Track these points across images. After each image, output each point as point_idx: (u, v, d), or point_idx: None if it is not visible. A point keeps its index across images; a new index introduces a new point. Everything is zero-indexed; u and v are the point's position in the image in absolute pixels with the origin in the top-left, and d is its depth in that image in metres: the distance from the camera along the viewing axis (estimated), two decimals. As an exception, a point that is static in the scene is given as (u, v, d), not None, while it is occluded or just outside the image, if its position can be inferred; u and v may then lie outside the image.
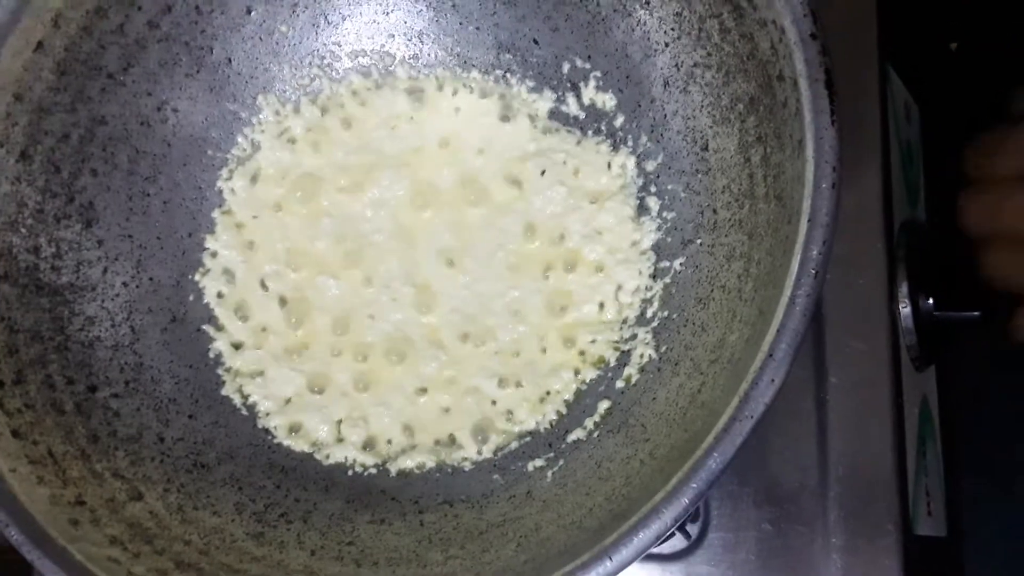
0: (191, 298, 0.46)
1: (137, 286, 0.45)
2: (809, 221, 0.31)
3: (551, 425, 0.43)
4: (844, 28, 0.49)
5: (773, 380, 0.30)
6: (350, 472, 0.43)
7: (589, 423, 0.42)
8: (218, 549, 0.38)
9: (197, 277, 0.46)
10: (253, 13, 0.47)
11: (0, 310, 0.40)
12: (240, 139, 0.48)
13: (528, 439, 0.43)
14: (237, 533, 0.39)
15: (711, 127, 0.41)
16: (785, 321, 0.31)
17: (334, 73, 0.49)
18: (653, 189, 0.45)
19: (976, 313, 0.47)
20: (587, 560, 0.30)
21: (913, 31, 0.58)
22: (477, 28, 0.48)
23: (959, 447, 0.54)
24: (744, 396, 0.30)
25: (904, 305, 0.47)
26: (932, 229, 0.53)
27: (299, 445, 0.44)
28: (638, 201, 0.45)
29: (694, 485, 0.30)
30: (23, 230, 0.42)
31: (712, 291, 0.39)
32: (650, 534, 0.30)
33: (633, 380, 0.42)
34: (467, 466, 0.43)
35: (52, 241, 0.42)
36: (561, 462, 0.41)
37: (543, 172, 0.46)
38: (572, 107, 0.47)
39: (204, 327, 0.46)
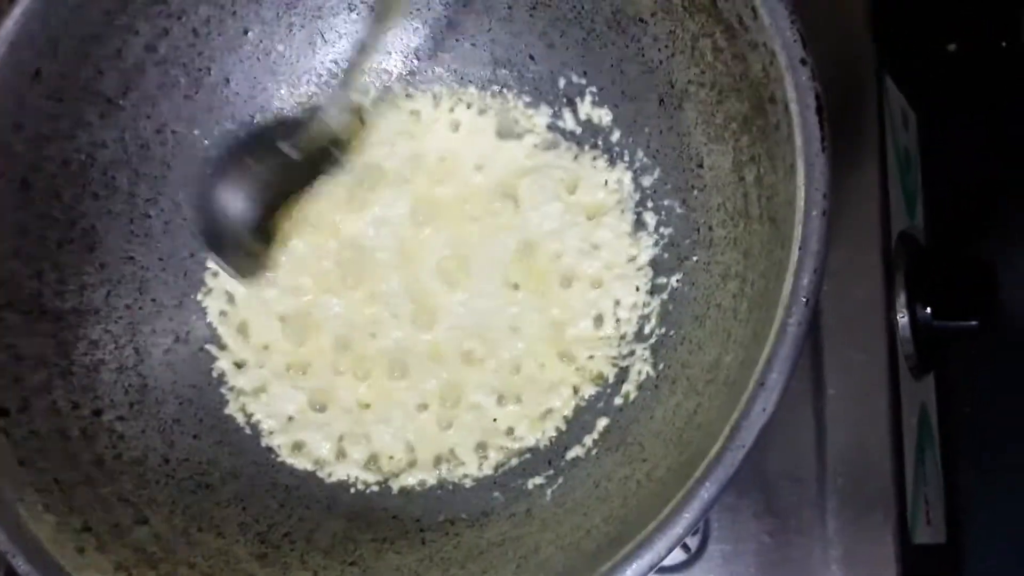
0: (193, 318, 0.47)
1: (140, 308, 0.45)
2: (800, 249, 0.32)
3: (551, 442, 0.43)
4: (839, 37, 0.49)
5: (764, 409, 0.30)
6: (352, 490, 0.44)
7: (588, 440, 0.42)
8: (222, 571, 0.39)
9: (199, 297, 0.47)
10: (250, 34, 0.47)
11: (6, 338, 0.40)
12: (239, 160, 0.48)
13: (528, 456, 0.43)
14: (241, 554, 0.40)
15: (705, 144, 0.41)
16: (776, 349, 0.31)
17: (332, 91, 0.49)
18: (650, 204, 0.45)
19: (974, 322, 0.47)
20: (583, 588, 0.31)
21: (910, 34, 0.58)
22: (473, 44, 0.48)
23: (958, 453, 0.54)
24: (735, 425, 0.30)
25: (902, 315, 0.47)
26: (931, 238, 0.53)
27: (302, 463, 0.45)
28: (635, 216, 0.45)
29: (687, 515, 0.30)
30: (26, 257, 0.42)
31: (708, 309, 0.40)
32: (643, 564, 0.30)
33: (631, 397, 0.42)
34: (468, 483, 0.44)
35: (55, 267, 0.43)
36: (560, 480, 0.41)
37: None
38: (568, 122, 0.47)
39: (207, 346, 0.47)
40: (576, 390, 0.44)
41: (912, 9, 0.58)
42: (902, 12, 0.55)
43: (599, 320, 0.45)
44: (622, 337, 0.44)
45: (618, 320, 0.44)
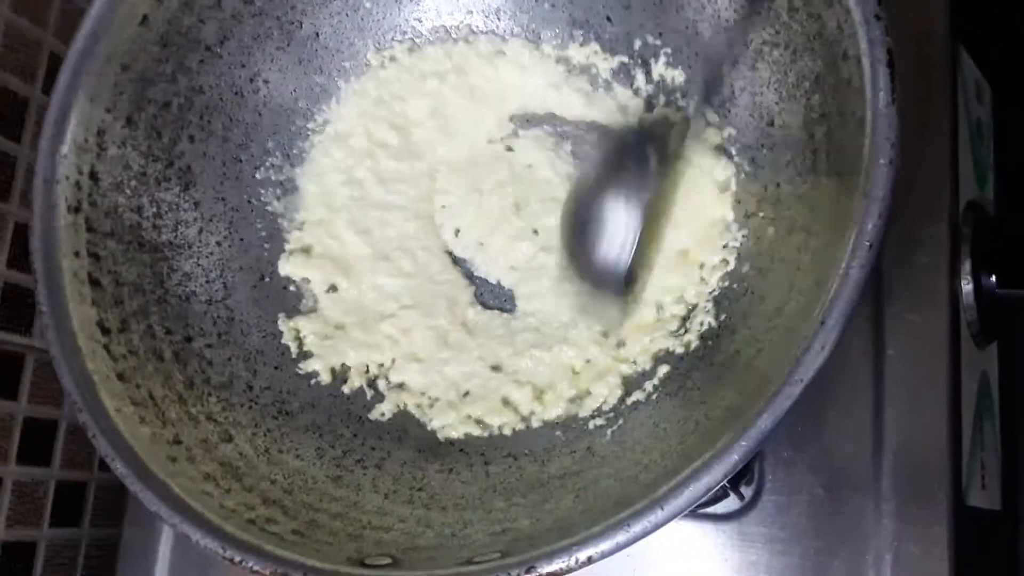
0: (279, 257, 0.49)
1: (230, 245, 0.48)
2: (866, 196, 0.33)
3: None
4: (915, 8, 0.49)
5: (823, 347, 0.32)
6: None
7: (649, 386, 0.44)
8: (300, 489, 0.41)
9: (286, 238, 0.50)
10: (340, -11, 0.49)
11: (107, 264, 0.43)
12: (326, 108, 0.50)
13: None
14: (318, 475, 0.43)
15: (777, 104, 0.42)
16: (839, 290, 0.32)
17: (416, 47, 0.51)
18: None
19: (1039, 291, 0.47)
20: (640, 509, 0.32)
21: (988, 10, 0.57)
22: (552, 5, 0.49)
23: (1020, 426, 0.54)
24: (795, 361, 0.32)
25: (966, 282, 0.47)
26: (1000, 210, 0.54)
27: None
28: (705, 174, 0.46)
29: (743, 443, 0.31)
30: (128, 191, 0.45)
31: (773, 263, 0.41)
32: (700, 487, 0.32)
33: (692, 346, 0.43)
34: (534, 423, 0.45)
35: (153, 202, 0.46)
36: (620, 421, 0.43)
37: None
38: (640, 82, 0.48)
39: (288, 286, 0.49)
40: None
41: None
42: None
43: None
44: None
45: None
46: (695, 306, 0.45)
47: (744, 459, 0.32)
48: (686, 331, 0.44)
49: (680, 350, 0.44)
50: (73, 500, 0.58)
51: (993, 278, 0.48)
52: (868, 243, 0.32)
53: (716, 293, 0.44)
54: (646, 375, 0.44)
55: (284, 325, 0.48)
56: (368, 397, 0.47)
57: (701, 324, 0.44)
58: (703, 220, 0.46)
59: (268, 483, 0.41)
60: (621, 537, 0.33)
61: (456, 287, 0.49)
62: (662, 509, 0.32)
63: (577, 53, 0.49)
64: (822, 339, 0.32)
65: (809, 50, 0.39)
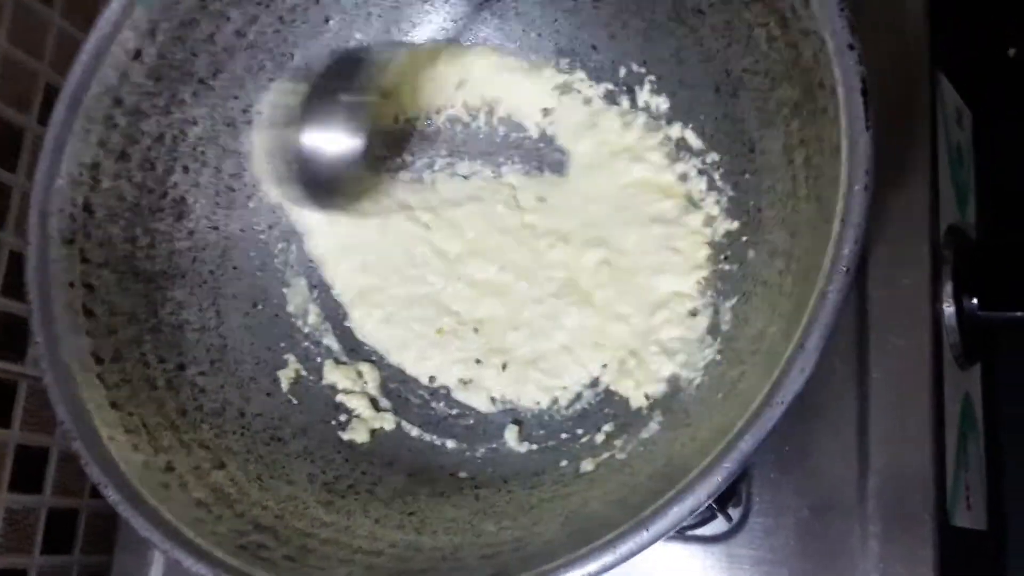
0: (272, 285, 0.50)
1: (223, 274, 0.49)
2: (842, 221, 0.33)
3: (601, 410, 0.46)
4: (895, 36, 0.50)
5: (803, 369, 0.32)
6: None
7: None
8: (292, 514, 0.42)
9: (277, 265, 0.50)
10: (331, 22, 0.50)
11: (101, 294, 0.44)
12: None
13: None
14: (309, 501, 0.43)
15: (758, 130, 0.43)
16: (816, 314, 0.33)
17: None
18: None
19: (1020, 313, 0.48)
20: (625, 530, 0.33)
21: (968, 37, 0.59)
22: (539, 35, 0.50)
23: (1005, 446, 0.55)
24: (775, 383, 0.32)
25: (948, 304, 0.48)
26: (981, 232, 0.54)
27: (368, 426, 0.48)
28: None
29: (726, 465, 0.32)
30: (122, 222, 0.46)
31: (755, 286, 0.42)
32: (684, 508, 0.32)
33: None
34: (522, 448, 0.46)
35: (147, 232, 0.47)
36: (610, 446, 0.44)
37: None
38: (625, 108, 0.49)
39: (282, 313, 0.50)
40: (626, 363, 0.46)
41: (971, 12, 0.59)
42: (961, 14, 0.56)
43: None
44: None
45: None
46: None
47: (727, 480, 0.32)
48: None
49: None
50: (65, 527, 0.59)
51: (975, 301, 0.48)
52: (845, 268, 0.33)
53: (703, 318, 0.45)
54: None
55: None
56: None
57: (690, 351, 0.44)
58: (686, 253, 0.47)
59: (260, 509, 0.41)
60: (608, 559, 0.33)
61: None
62: (647, 531, 0.33)
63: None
64: (802, 362, 0.32)
65: (787, 78, 0.40)
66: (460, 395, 0.48)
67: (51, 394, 0.40)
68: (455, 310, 0.49)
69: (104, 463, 0.40)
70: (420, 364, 0.49)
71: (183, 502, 0.40)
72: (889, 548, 0.45)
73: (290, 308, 0.50)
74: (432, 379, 0.49)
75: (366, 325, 0.50)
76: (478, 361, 0.48)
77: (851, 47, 0.35)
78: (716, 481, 0.32)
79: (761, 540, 0.46)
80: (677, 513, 0.32)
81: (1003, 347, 0.55)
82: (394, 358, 0.49)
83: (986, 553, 0.53)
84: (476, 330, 0.48)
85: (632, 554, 0.33)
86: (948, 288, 0.48)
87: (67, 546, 0.59)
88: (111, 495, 0.39)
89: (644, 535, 0.33)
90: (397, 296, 0.50)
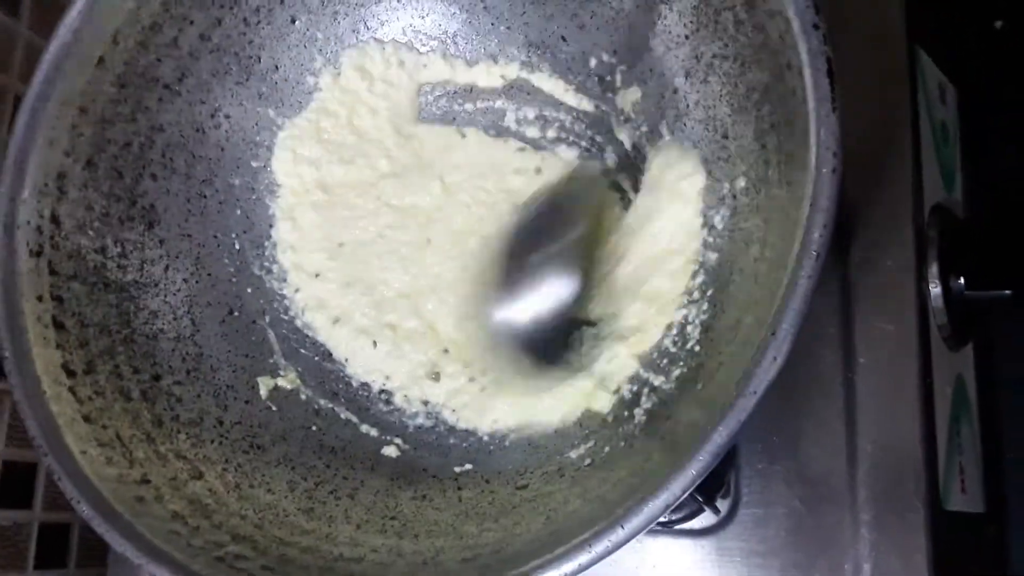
0: (248, 291, 0.49)
1: (197, 281, 0.48)
2: (811, 205, 0.33)
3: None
4: (870, 13, 0.49)
5: (775, 358, 0.31)
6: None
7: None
8: (271, 523, 0.41)
9: (254, 271, 0.50)
10: (297, 22, 0.50)
11: (71, 306, 0.43)
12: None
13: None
14: (289, 508, 0.42)
15: (730, 115, 0.42)
16: (787, 301, 0.32)
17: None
18: (679, 177, 0.46)
19: (1007, 292, 0.47)
20: (601, 529, 0.32)
21: (952, 11, 0.58)
22: (508, 28, 0.50)
23: (1002, 427, 0.54)
24: (746, 373, 0.31)
25: (934, 285, 0.47)
26: (970, 211, 0.53)
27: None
28: (665, 189, 0.46)
29: (700, 458, 0.31)
30: (91, 232, 0.45)
31: (732, 274, 0.41)
32: (659, 504, 0.31)
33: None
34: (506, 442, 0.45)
35: (117, 242, 0.46)
36: (591, 442, 0.43)
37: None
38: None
39: (258, 320, 0.49)
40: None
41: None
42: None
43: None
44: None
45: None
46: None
47: (701, 474, 0.31)
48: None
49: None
50: (58, 542, 0.58)
51: (961, 280, 0.47)
52: (815, 253, 0.32)
53: (682, 311, 0.44)
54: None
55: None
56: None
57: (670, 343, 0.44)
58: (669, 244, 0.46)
59: (238, 519, 0.41)
60: (583, 558, 0.32)
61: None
62: (623, 528, 0.32)
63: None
64: (773, 351, 0.31)
65: (756, 61, 0.39)
66: (448, 415, 0.48)
67: (21, 409, 0.40)
68: (431, 321, 0.49)
69: (77, 478, 0.39)
70: (374, 375, 0.50)
71: (158, 515, 0.39)
72: (881, 536, 0.44)
73: (267, 316, 0.50)
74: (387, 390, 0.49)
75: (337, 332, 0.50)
76: (471, 380, 0.48)
77: (816, 27, 0.34)
78: (691, 475, 0.31)
79: (751, 532, 0.46)
80: (651, 509, 0.31)
81: (997, 325, 0.54)
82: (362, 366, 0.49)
83: (986, 535, 0.52)
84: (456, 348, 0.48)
85: (608, 552, 0.32)
86: (934, 269, 0.48)
87: (61, 560, 0.58)
88: (84, 511, 0.38)
89: (619, 533, 0.32)
90: (369, 305, 0.49)
